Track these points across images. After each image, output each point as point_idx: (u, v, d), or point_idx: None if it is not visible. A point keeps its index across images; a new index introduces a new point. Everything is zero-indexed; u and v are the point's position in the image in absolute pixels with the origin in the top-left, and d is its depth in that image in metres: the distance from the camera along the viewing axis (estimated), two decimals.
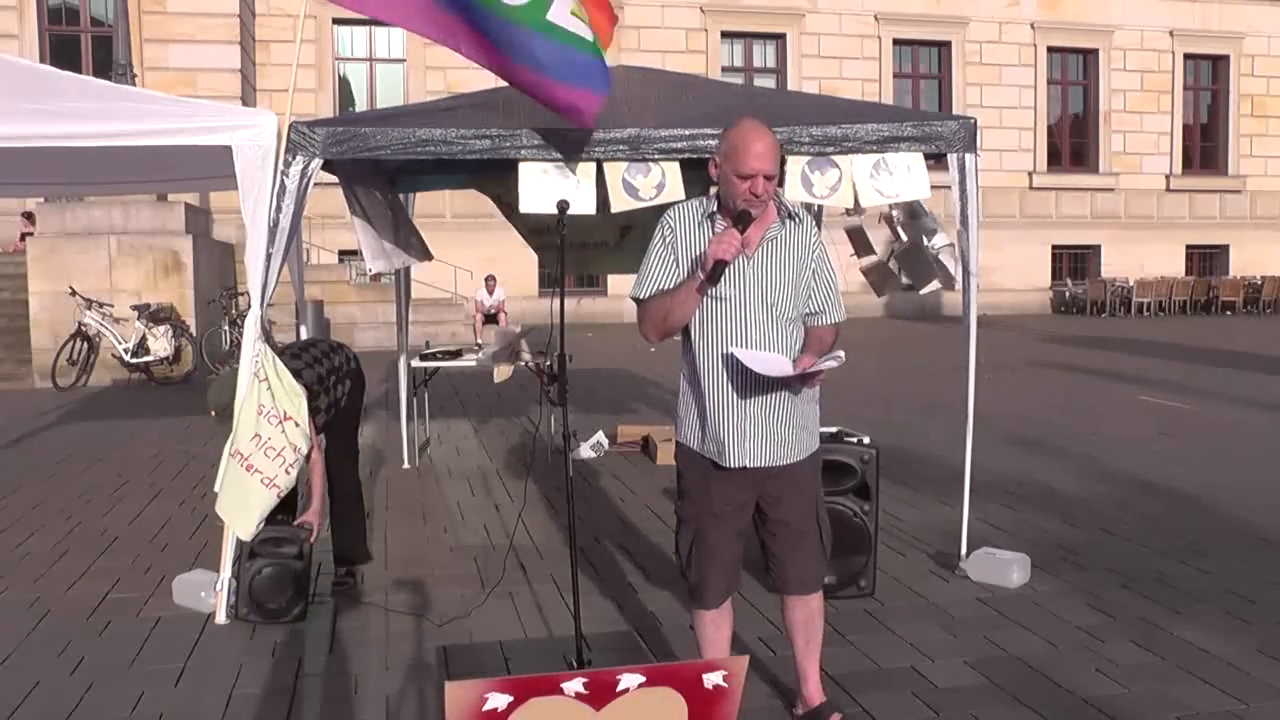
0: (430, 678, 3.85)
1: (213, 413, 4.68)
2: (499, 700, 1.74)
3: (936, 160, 5.04)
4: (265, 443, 4.36)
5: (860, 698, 3.59)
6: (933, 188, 4.89)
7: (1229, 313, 24.39)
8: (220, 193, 11.30)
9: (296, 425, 4.42)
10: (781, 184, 4.75)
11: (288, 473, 4.41)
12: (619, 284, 16.21)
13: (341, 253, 19.00)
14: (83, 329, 13.19)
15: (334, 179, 5.55)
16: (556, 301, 3.46)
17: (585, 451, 7.85)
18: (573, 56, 4.39)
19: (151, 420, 10.21)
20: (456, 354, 8.13)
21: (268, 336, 4.54)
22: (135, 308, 13.43)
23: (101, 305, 13.36)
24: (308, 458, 4.54)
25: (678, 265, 3.14)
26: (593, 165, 4.68)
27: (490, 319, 16.73)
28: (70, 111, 4.43)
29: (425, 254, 6.93)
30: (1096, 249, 25.64)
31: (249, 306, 4.61)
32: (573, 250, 7.60)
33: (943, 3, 24.19)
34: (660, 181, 4.71)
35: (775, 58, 23.99)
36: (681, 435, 3.28)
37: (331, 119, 5.15)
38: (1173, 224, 25.97)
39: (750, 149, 2.99)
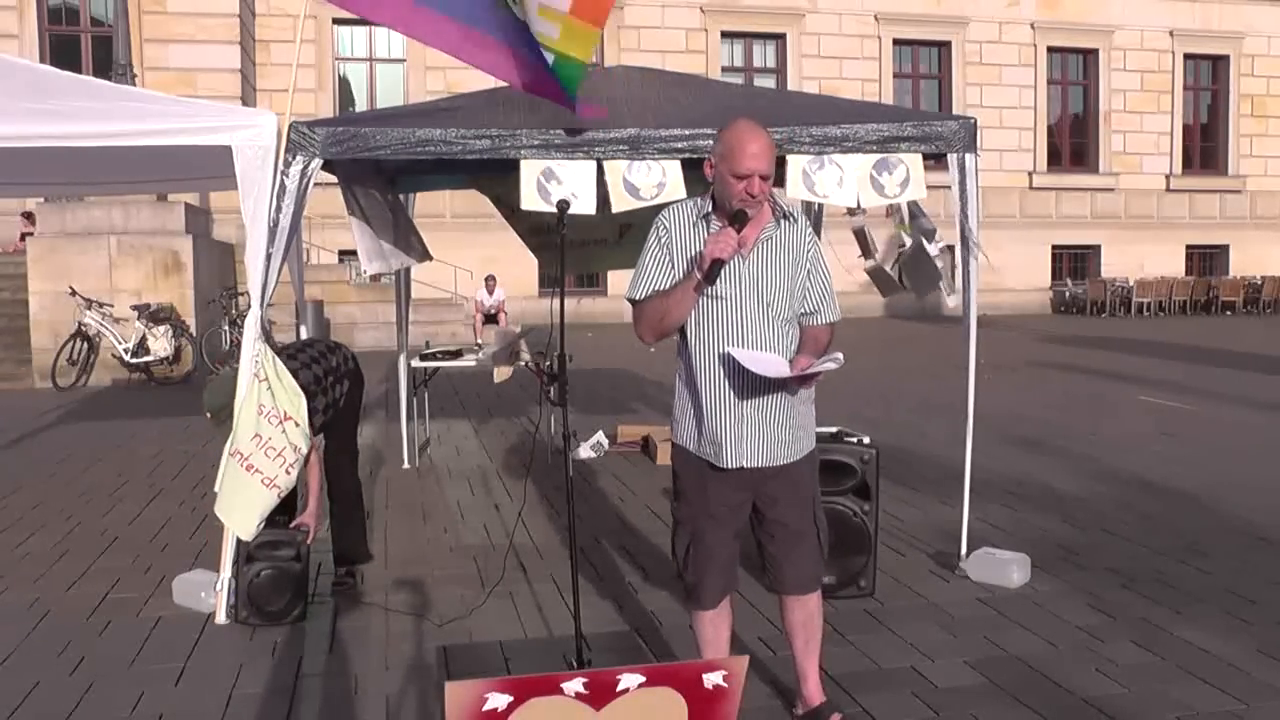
0: (430, 678, 3.85)
1: (208, 414, 4.68)
2: (499, 700, 1.74)
3: (936, 160, 5.04)
4: (266, 442, 4.36)
5: (860, 698, 3.59)
6: (933, 188, 4.89)
7: (1229, 313, 24.39)
8: (220, 193, 11.30)
9: (297, 425, 4.42)
10: (781, 184, 4.76)
11: (288, 473, 4.42)
12: (619, 284, 16.18)
13: (341, 253, 19.00)
14: (83, 329, 13.19)
15: (334, 179, 5.56)
16: (556, 301, 3.46)
17: (585, 451, 7.85)
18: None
19: (151, 420, 10.21)
20: (456, 354, 8.13)
21: (268, 336, 4.54)
22: (135, 308, 13.44)
23: (101, 305, 13.36)
24: (307, 458, 4.54)
25: (673, 266, 3.14)
26: (593, 165, 4.68)
27: (490, 319, 16.73)
28: (70, 111, 4.43)
29: (425, 255, 6.92)
30: (1096, 249, 25.64)
31: (249, 306, 4.61)
32: (572, 248, 7.59)
33: (943, 3, 24.19)
34: (661, 181, 4.71)
35: (775, 58, 23.99)
36: (677, 436, 3.28)
37: (331, 119, 5.15)
38: (1173, 224, 25.97)
39: (746, 149, 2.99)
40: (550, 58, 4.36)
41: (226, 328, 14.38)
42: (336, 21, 21.12)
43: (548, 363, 7.32)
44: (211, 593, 4.54)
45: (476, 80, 5.07)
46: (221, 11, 19.19)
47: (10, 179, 6.41)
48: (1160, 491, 6.58)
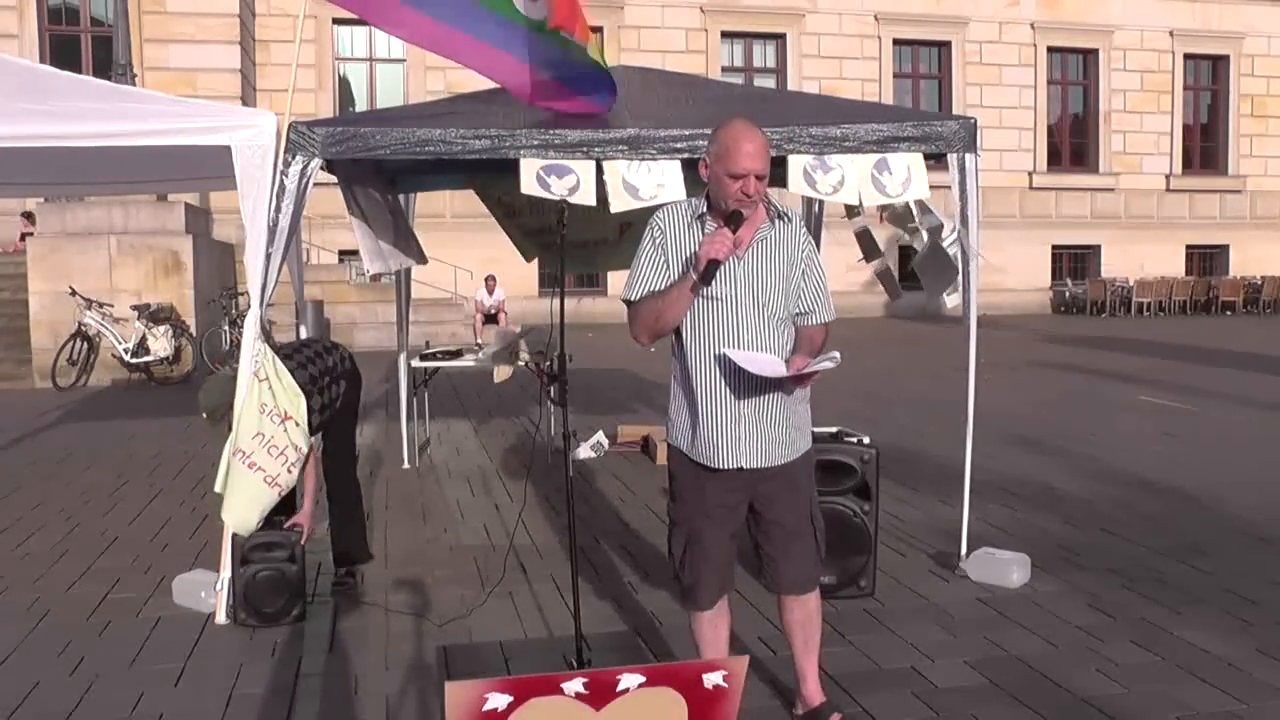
0: (430, 678, 3.85)
1: (204, 414, 4.68)
2: (499, 700, 1.74)
3: (936, 160, 5.04)
4: (269, 441, 4.37)
5: (860, 698, 3.59)
6: (933, 188, 4.89)
7: (1229, 313, 24.40)
8: (220, 193, 11.28)
9: (297, 425, 4.43)
10: (783, 183, 4.76)
11: (289, 471, 4.43)
12: (619, 284, 16.20)
13: (341, 253, 19.00)
14: (83, 329, 13.19)
15: (334, 179, 5.55)
16: (556, 301, 3.46)
17: (585, 451, 7.84)
18: (573, 64, 4.60)
19: (151, 420, 10.21)
20: (456, 354, 8.13)
21: (267, 336, 4.54)
22: (135, 308, 13.43)
23: (101, 305, 13.36)
24: (307, 458, 4.55)
25: (668, 266, 3.13)
26: (592, 164, 4.68)
27: (490, 319, 16.73)
28: (70, 111, 4.43)
29: (421, 257, 6.92)
30: (1096, 249, 25.65)
31: (249, 306, 4.61)
32: (573, 248, 7.60)
33: (943, 3, 24.19)
34: (660, 181, 4.71)
35: (775, 58, 23.99)
36: (673, 437, 3.27)
37: (331, 119, 5.15)
38: (1173, 224, 25.98)
39: (741, 149, 2.98)
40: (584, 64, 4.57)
41: (226, 328, 14.37)
42: (336, 21, 21.12)
43: (548, 363, 7.32)
44: (211, 593, 4.55)
45: (477, 80, 5.08)
46: (221, 11, 19.19)
47: (10, 179, 6.41)
48: (1160, 491, 6.58)
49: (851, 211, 6.40)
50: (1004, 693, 3.64)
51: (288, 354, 4.71)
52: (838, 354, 3.03)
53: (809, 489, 3.30)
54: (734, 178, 3.00)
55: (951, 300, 5.80)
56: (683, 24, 23.06)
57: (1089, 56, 25.55)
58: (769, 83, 23.10)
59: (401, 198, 7.14)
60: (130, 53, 14.35)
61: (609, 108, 4.88)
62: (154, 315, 13.41)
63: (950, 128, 4.86)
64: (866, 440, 4.63)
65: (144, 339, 13.35)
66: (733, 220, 3.01)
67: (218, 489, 4.49)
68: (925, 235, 6.04)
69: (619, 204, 4.70)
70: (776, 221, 3.15)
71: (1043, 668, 3.85)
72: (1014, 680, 3.74)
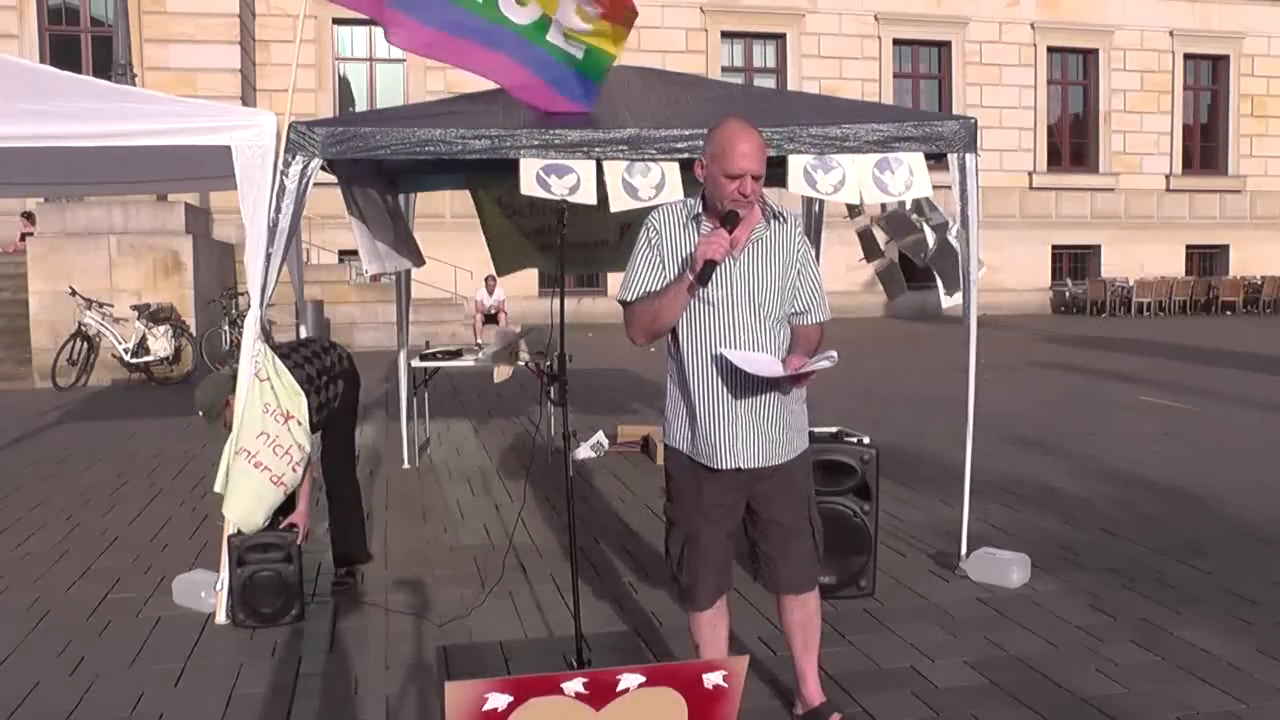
0: (430, 678, 3.85)
1: (200, 413, 4.68)
2: (499, 700, 1.74)
3: (937, 160, 5.04)
4: (273, 440, 4.37)
5: (860, 698, 3.59)
6: (933, 188, 4.89)
7: (1229, 313, 24.40)
8: (220, 193, 11.28)
9: (299, 424, 4.43)
10: (783, 183, 4.76)
11: (294, 470, 4.43)
12: (619, 284, 16.21)
13: (341, 253, 19.00)
14: (83, 329, 13.19)
15: (334, 179, 5.55)
16: (556, 301, 3.46)
17: (585, 451, 7.84)
18: (560, 68, 4.73)
19: (151, 420, 10.21)
20: (456, 354, 8.12)
21: (267, 336, 4.54)
22: (135, 308, 13.44)
23: (101, 305, 13.36)
24: (309, 457, 4.55)
25: (664, 267, 3.13)
26: (592, 164, 4.69)
27: (490, 319, 16.72)
28: (70, 111, 4.43)
29: (419, 260, 6.92)
30: (1096, 249, 25.65)
31: (249, 306, 4.61)
32: (573, 249, 7.60)
33: (943, 3, 24.20)
34: (660, 181, 4.71)
35: (775, 58, 23.99)
36: (670, 438, 3.27)
37: (331, 119, 5.15)
38: (1173, 224, 25.98)
39: (737, 149, 2.97)
40: (579, 50, 4.57)
41: (226, 328, 14.37)
42: (336, 21, 21.13)
43: (548, 363, 7.32)
44: (211, 593, 4.55)
45: (477, 81, 5.08)
46: (221, 11, 19.19)
47: (10, 179, 6.41)
48: (1160, 491, 6.58)
49: (853, 211, 6.40)
50: (1004, 693, 3.64)
51: (285, 353, 4.71)
52: (834, 353, 3.02)
53: (807, 489, 3.30)
54: (730, 178, 2.99)
55: (951, 300, 5.80)
56: (683, 24, 23.06)
57: (1089, 56, 25.55)
58: (769, 83, 23.10)
59: (401, 198, 7.14)
60: (130, 53, 14.35)
61: (588, 108, 4.89)
62: (154, 315, 13.42)
63: (950, 128, 4.86)
64: (866, 440, 4.63)
65: (144, 339, 13.35)
66: (729, 221, 3.00)
67: (218, 489, 4.49)
68: (933, 233, 6.03)
69: (618, 204, 4.71)
70: (772, 222, 3.15)
71: (1043, 668, 3.85)
72: (1014, 680, 3.74)
